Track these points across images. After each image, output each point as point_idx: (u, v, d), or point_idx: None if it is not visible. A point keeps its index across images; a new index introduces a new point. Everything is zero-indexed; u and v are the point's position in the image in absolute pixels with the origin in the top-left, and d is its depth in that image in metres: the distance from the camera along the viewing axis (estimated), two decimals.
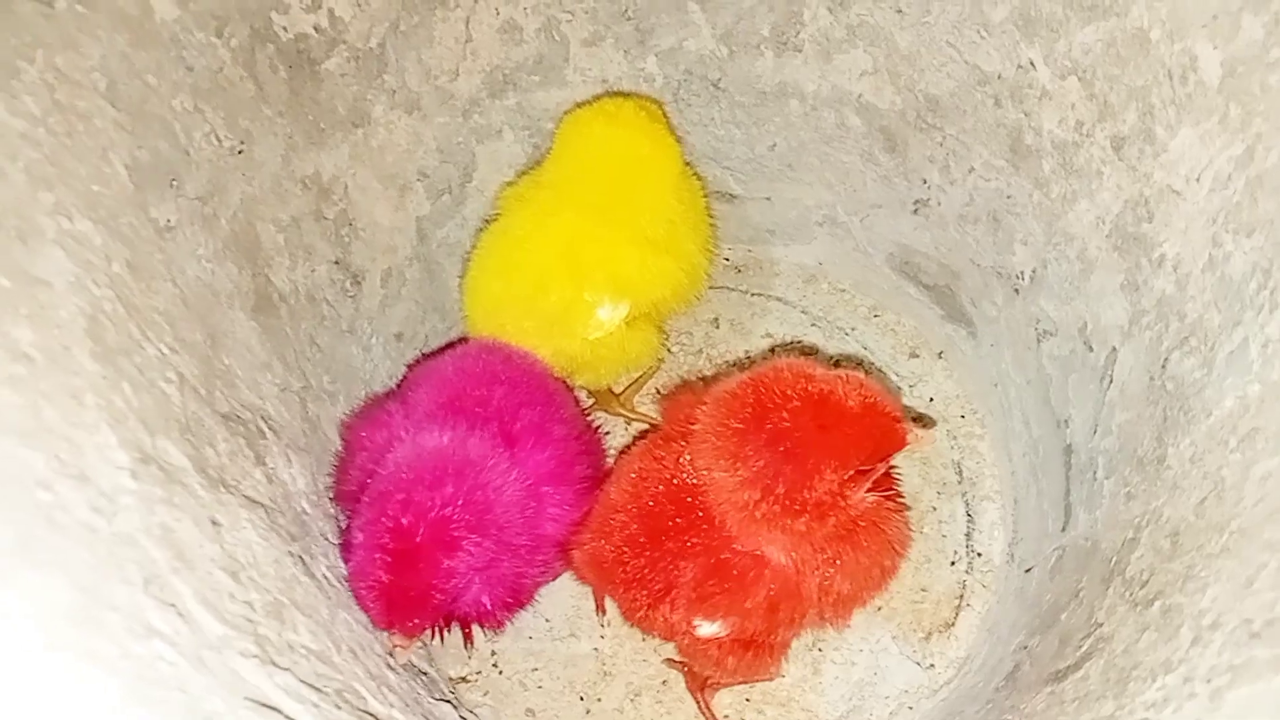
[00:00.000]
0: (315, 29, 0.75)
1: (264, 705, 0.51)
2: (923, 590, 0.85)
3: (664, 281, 0.84)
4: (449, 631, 0.76)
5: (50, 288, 0.53)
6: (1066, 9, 0.67)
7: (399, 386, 0.85)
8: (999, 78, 0.75)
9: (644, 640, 0.83)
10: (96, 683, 0.44)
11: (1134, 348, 0.68)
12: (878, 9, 0.78)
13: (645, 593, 0.70)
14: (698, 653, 0.74)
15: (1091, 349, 0.73)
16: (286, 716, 0.52)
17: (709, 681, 0.81)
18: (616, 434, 0.93)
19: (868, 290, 0.98)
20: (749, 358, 0.96)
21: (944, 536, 0.87)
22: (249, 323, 0.72)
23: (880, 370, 0.95)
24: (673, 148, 0.84)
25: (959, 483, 0.89)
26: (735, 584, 0.68)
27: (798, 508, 0.65)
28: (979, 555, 0.86)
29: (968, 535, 0.87)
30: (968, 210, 0.83)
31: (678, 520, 0.69)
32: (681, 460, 0.70)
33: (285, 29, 0.73)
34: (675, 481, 0.70)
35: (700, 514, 0.69)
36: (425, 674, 0.77)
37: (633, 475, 0.73)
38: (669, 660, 0.83)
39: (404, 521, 0.66)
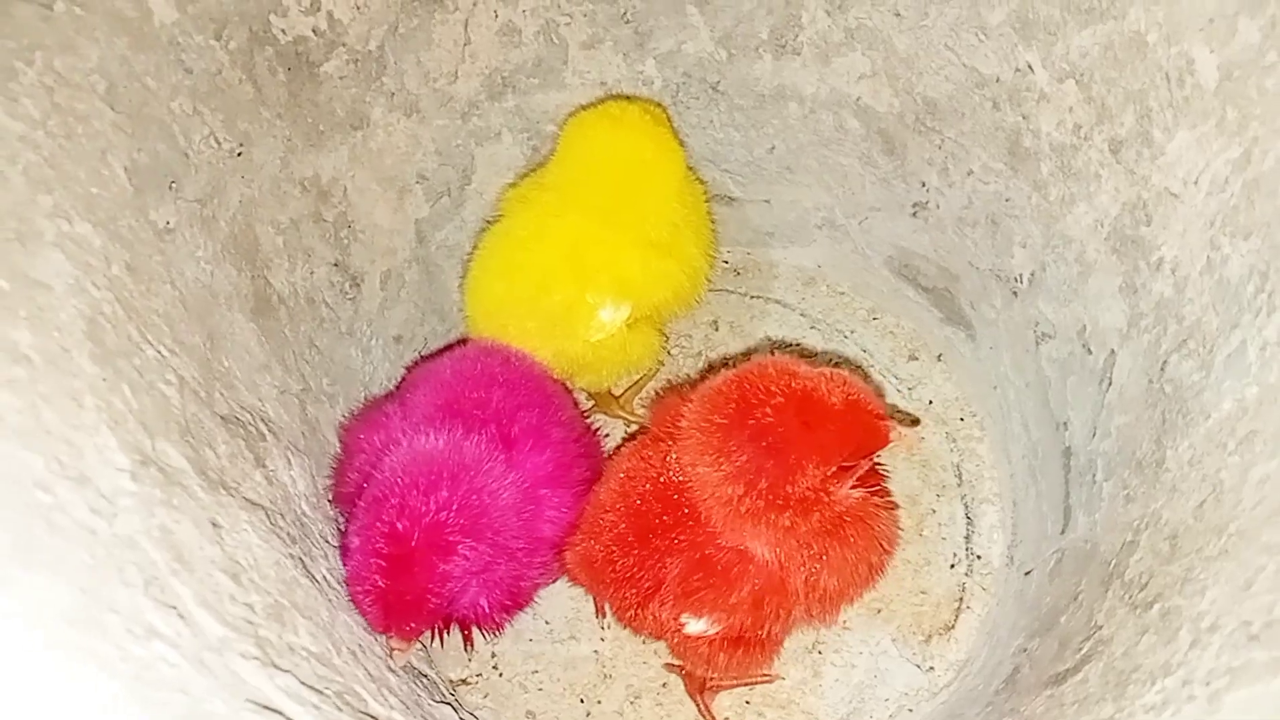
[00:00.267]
0: (314, 31, 0.75)
1: (265, 707, 0.51)
2: (922, 593, 0.85)
3: (666, 284, 0.84)
4: (449, 634, 0.76)
5: (50, 290, 0.53)
6: (1064, 12, 0.67)
7: (397, 389, 0.85)
8: (997, 81, 0.75)
9: (644, 643, 0.83)
10: (97, 684, 0.44)
11: (1132, 350, 0.69)
12: (876, 12, 0.78)
13: (635, 591, 0.71)
14: (689, 651, 0.74)
15: (1090, 352, 0.74)
16: (287, 718, 0.52)
17: (708, 684, 0.81)
18: (615, 436, 0.93)
19: (867, 293, 0.98)
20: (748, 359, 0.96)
21: (943, 539, 0.87)
22: (248, 325, 0.72)
23: (879, 373, 0.95)
24: (676, 151, 0.85)
25: (958, 485, 0.89)
26: (720, 579, 0.68)
27: (781, 503, 0.65)
28: (978, 558, 0.86)
29: (967, 538, 0.87)
30: (966, 213, 0.83)
31: (665, 518, 0.70)
32: (668, 459, 0.71)
33: (284, 31, 0.73)
34: (662, 480, 0.71)
35: (686, 511, 0.69)
36: (425, 676, 0.77)
37: (621, 476, 0.74)
38: (669, 664, 0.83)
39: (399, 526, 0.66)
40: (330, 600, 0.67)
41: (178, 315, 0.64)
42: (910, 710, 0.81)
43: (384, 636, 0.70)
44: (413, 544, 0.66)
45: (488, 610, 0.74)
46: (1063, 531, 0.75)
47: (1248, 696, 0.43)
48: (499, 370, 0.80)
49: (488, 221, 0.90)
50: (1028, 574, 0.79)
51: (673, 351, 0.97)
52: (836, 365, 0.94)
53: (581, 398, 0.93)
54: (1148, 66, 0.63)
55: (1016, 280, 0.81)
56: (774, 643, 0.74)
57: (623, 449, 0.80)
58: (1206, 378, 0.60)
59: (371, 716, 0.61)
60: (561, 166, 0.85)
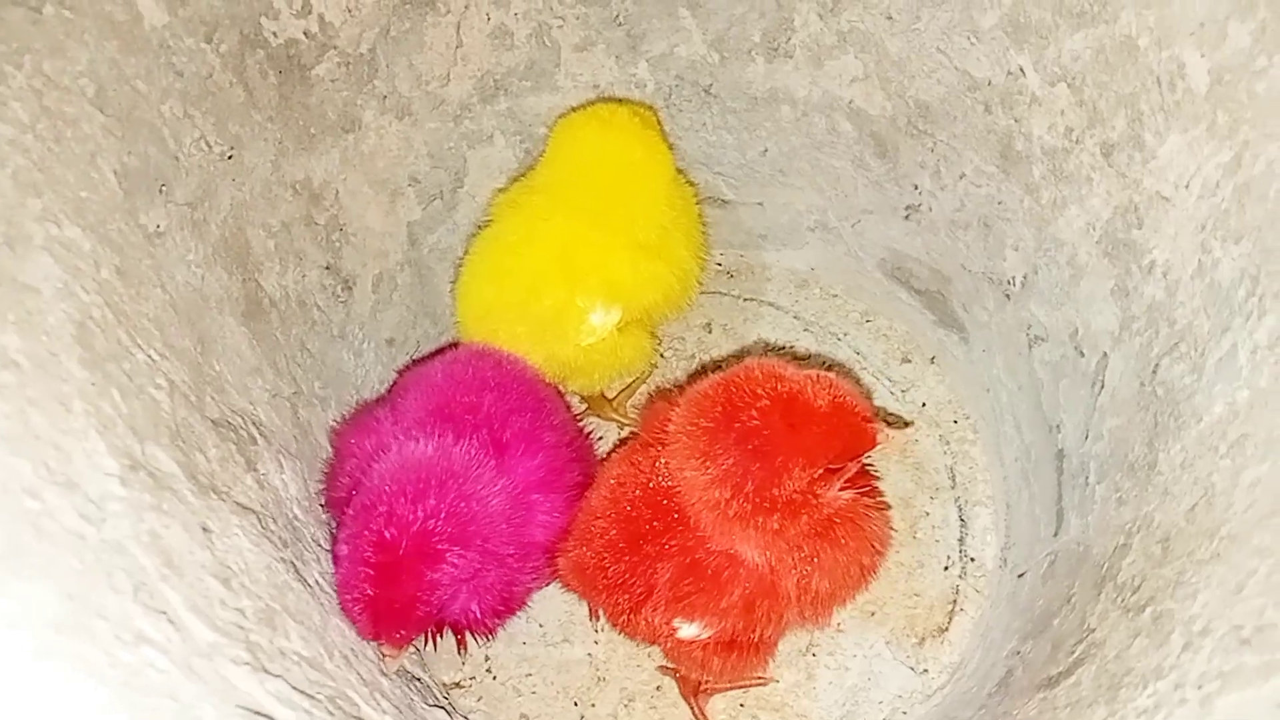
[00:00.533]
0: (305, 34, 0.75)
1: (256, 713, 0.51)
2: (916, 595, 0.85)
3: (656, 286, 0.84)
4: (441, 638, 0.76)
5: (38, 294, 0.53)
6: (1056, 16, 0.67)
7: (388, 393, 0.85)
8: (989, 84, 0.75)
9: (638, 646, 0.83)
10: (86, 691, 0.43)
11: (1124, 353, 0.69)
12: (868, 15, 0.78)
13: (627, 597, 0.71)
14: (682, 656, 0.74)
15: (1082, 354, 0.74)
16: None
17: (702, 687, 0.81)
18: (609, 439, 0.93)
19: (859, 295, 0.98)
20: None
21: (937, 541, 0.87)
22: (239, 328, 0.72)
23: (872, 375, 0.95)
24: (665, 154, 0.85)
25: (952, 488, 0.89)
26: (710, 583, 0.68)
27: (768, 506, 0.65)
28: (972, 560, 0.86)
29: (960, 540, 0.87)
30: (959, 216, 0.83)
31: (655, 524, 0.70)
32: (658, 465, 0.70)
33: (275, 34, 0.73)
34: (652, 486, 0.71)
35: (676, 516, 0.69)
36: (419, 680, 0.77)
37: (611, 482, 0.74)
38: (663, 666, 0.83)
39: (387, 535, 0.66)
40: (322, 604, 0.66)
41: (168, 319, 0.63)
42: (904, 713, 0.81)
43: (375, 643, 0.70)
44: (401, 552, 0.66)
45: (480, 615, 0.74)
46: (1055, 534, 0.75)
47: (1239, 700, 0.43)
48: (490, 374, 0.79)
49: (478, 225, 0.90)
50: (1021, 576, 0.79)
51: (665, 354, 0.97)
52: (827, 368, 0.94)
53: (574, 401, 0.93)
54: (1139, 70, 0.63)
55: (1009, 283, 0.81)
56: (767, 646, 0.74)
57: (613, 455, 0.80)
58: (1198, 381, 0.60)
59: None
60: (550, 169, 0.85)
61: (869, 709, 0.82)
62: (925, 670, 0.82)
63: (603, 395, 0.93)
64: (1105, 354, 0.71)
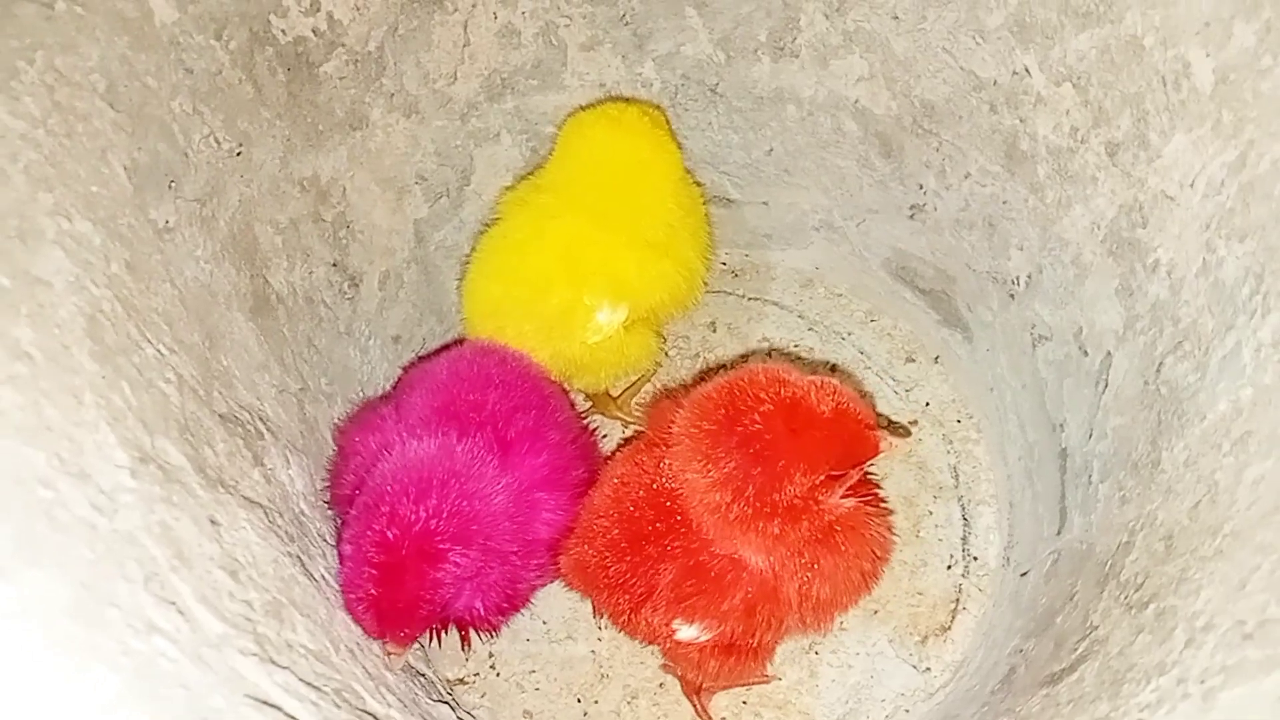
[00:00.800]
0: (314, 32, 0.76)
1: (264, 703, 0.51)
2: (919, 594, 0.85)
3: (662, 285, 0.84)
4: (446, 634, 0.76)
5: (50, 288, 0.53)
6: (1061, 16, 0.68)
7: (393, 390, 0.85)
8: (994, 84, 0.75)
9: (640, 643, 0.83)
10: (98, 678, 0.44)
11: (1128, 352, 0.69)
12: (874, 15, 0.79)
13: (628, 597, 0.71)
14: (680, 657, 0.75)
15: (1086, 353, 0.74)
16: (287, 714, 0.52)
17: (704, 685, 0.81)
18: (613, 437, 0.93)
19: (864, 295, 0.99)
20: (745, 363, 0.96)
21: (940, 540, 0.87)
22: (247, 324, 0.72)
23: (877, 374, 0.95)
24: (674, 153, 0.85)
25: (955, 486, 0.90)
26: (712, 586, 0.68)
27: (769, 510, 0.65)
28: (975, 559, 0.86)
29: (964, 539, 0.87)
30: (963, 215, 0.84)
31: (658, 524, 0.70)
32: (661, 465, 0.71)
33: (284, 32, 0.74)
34: (655, 486, 0.71)
35: (679, 518, 0.69)
36: (423, 675, 0.78)
37: (615, 481, 0.74)
38: (666, 664, 0.83)
39: (389, 535, 0.66)
40: (328, 598, 0.67)
41: (177, 314, 0.64)
42: (906, 711, 0.81)
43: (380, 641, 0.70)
44: (403, 552, 0.66)
45: (483, 612, 0.75)
46: (1059, 532, 0.76)
47: (1242, 695, 0.43)
48: (495, 372, 0.80)
49: (485, 224, 0.91)
50: (1024, 575, 0.80)
51: (670, 353, 0.97)
52: (830, 369, 0.94)
53: (579, 398, 0.93)
54: (1144, 70, 0.64)
55: (1013, 282, 0.82)
56: (765, 650, 0.74)
57: (617, 454, 0.80)
58: (1202, 379, 0.60)
59: (369, 714, 0.61)
60: (558, 168, 0.85)
61: (871, 707, 0.82)
62: (928, 668, 0.83)
63: (607, 393, 0.94)
64: (1109, 353, 0.71)
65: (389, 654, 0.69)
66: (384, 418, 0.77)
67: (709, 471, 0.66)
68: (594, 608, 0.85)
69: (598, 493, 0.75)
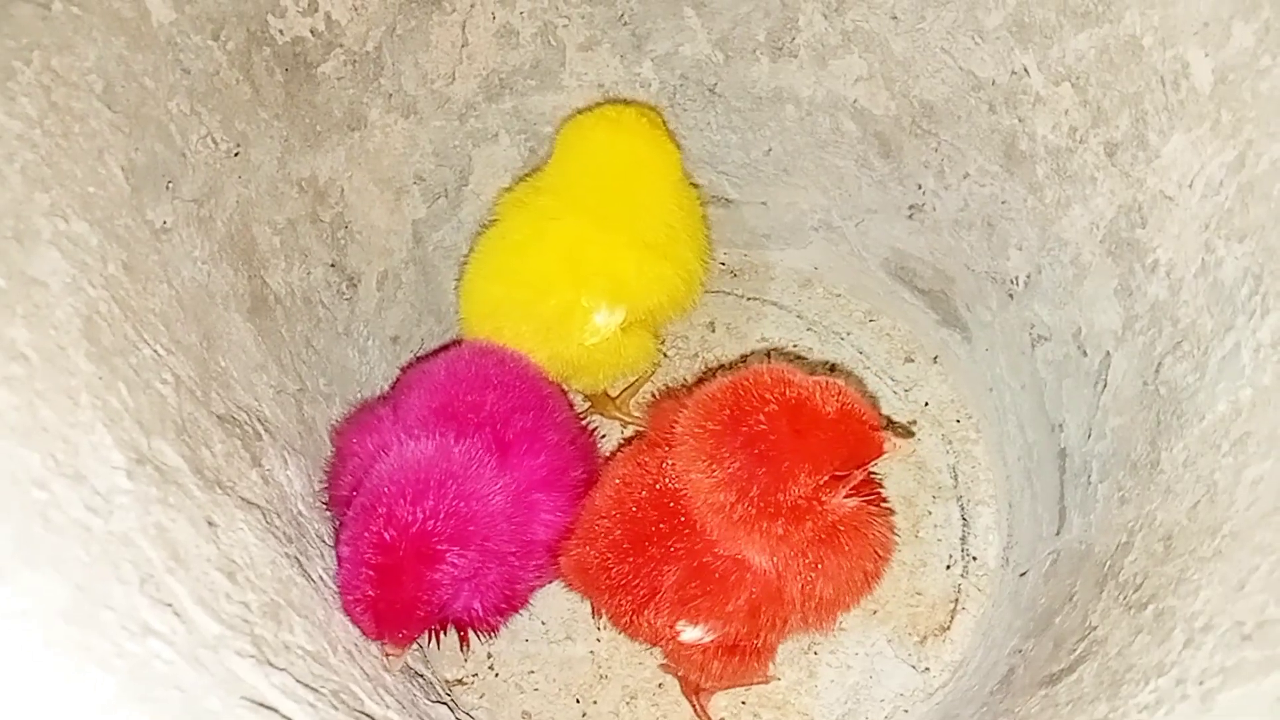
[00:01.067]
0: (312, 32, 0.75)
1: (261, 705, 0.51)
2: (918, 594, 0.85)
3: (661, 287, 0.84)
4: (444, 635, 0.76)
5: (46, 288, 0.53)
6: (1060, 16, 0.68)
7: (391, 391, 0.85)
8: (993, 84, 0.75)
9: (640, 644, 0.83)
10: (94, 680, 0.44)
11: (1127, 352, 0.69)
12: (873, 15, 0.79)
13: (630, 598, 0.71)
14: (683, 658, 0.74)
15: (1085, 354, 0.74)
16: (284, 716, 0.52)
17: (703, 685, 0.81)
18: (612, 438, 0.93)
19: (863, 295, 0.99)
20: (745, 362, 0.96)
21: (939, 540, 0.87)
22: (245, 324, 0.72)
23: (875, 375, 0.95)
24: (673, 154, 0.85)
25: (954, 487, 0.89)
26: (717, 587, 0.68)
27: (773, 511, 0.65)
28: (974, 559, 0.86)
29: (963, 539, 0.87)
30: (962, 215, 0.84)
31: (661, 525, 0.69)
32: (664, 466, 0.71)
33: (282, 32, 0.73)
34: (659, 487, 0.70)
35: (683, 519, 0.69)
36: (421, 676, 0.77)
37: (617, 481, 0.74)
38: (665, 664, 0.83)
39: (386, 536, 0.66)
40: (326, 600, 0.67)
41: (174, 314, 0.64)
42: (905, 711, 0.81)
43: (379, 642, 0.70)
44: (401, 553, 0.66)
45: (482, 613, 0.74)
46: (1058, 533, 0.76)
47: (1241, 695, 0.43)
48: (493, 372, 0.80)
49: (483, 225, 0.90)
50: (1023, 575, 0.80)
51: (669, 353, 0.97)
52: (833, 371, 0.94)
53: (578, 399, 0.93)
54: (1143, 70, 0.64)
55: (1012, 282, 0.82)
56: (768, 650, 0.74)
57: (618, 454, 0.80)
58: (1201, 380, 0.60)
59: (368, 715, 0.61)
60: (558, 170, 0.85)
61: (870, 707, 0.82)
62: (927, 668, 0.83)
63: (606, 394, 0.94)
64: (1108, 353, 0.71)
65: (387, 655, 0.69)
66: (382, 418, 0.77)
67: (713, 471, 0.66)
68: (593, 608, 0.85)
69: (599, 493, 0.75)
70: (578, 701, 0.83)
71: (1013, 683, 0.69)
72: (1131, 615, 0.57)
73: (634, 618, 0.71)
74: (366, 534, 0.67)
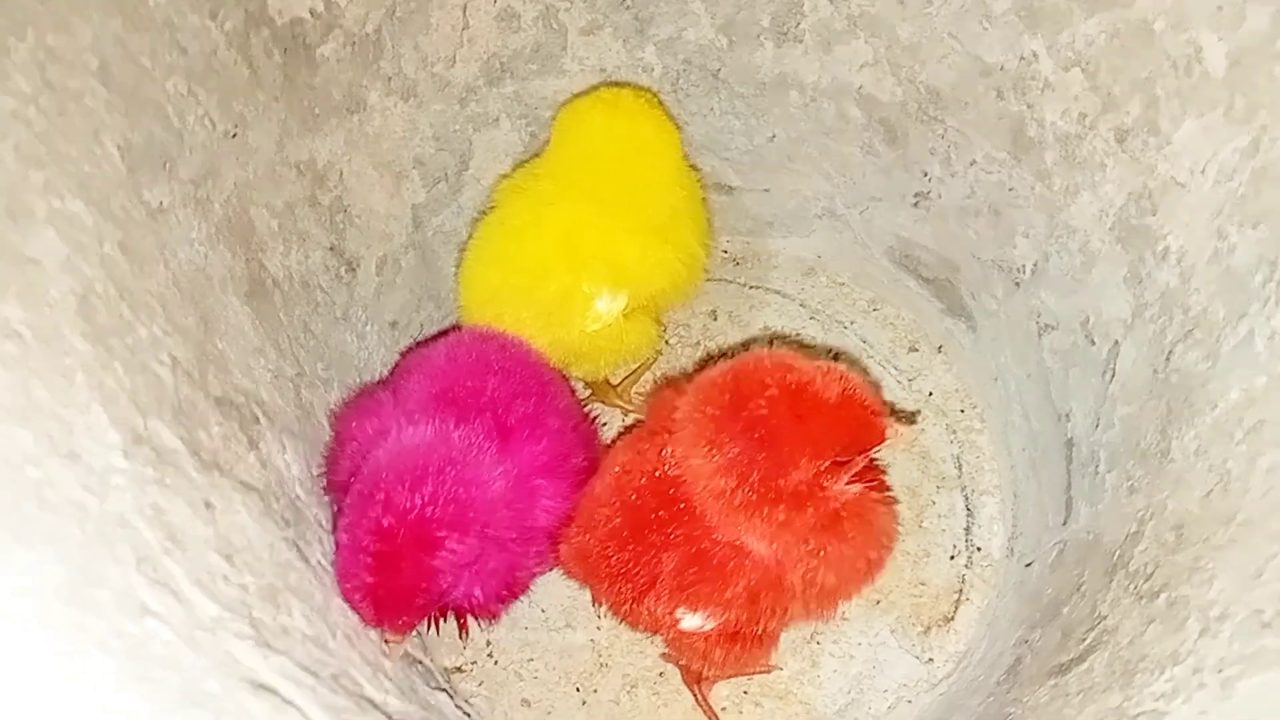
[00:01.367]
0: (310, 13, 0.74)
1: (260, 687, 0.51)
2: (921, 584, 0.85)
3: (663, 273, 0.83)
4: (444, 621, 0.75)
5: (41, 267, 0.52)
6: (1070, 0, 0.67)
7: (391, 375, 0.84)
8: (1001, 69, 0.74)
9: (640, 633, 0.83)
10: (92, 659, 0.43)
11: (1137, 341, 0.68)
12: None
13: (630, 586, 0.70)
14: (684, 646, 0.74)
15: (1093, 342, 0.73)
16: (283, 698, 0.51)
17: (705, 674, 0.80)
18: (614, 425, 0.92)
19: (867, 283, 0.98)
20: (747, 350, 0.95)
21: (943, 531, 0.87)
22: (242, 308, 0.71)
23: (879, 364, 0.94)
24: (673, 133, 0.84)
25: (958, 477, 0.89)
26: (715, 573, 0.67)
27: (773, 496, 0.64)
28: (978, 550, 0.86)
29: (967, 529, 0.87)
30: (968, 203, 0.83)
31: (661, 513, 0.69)
32: (664, 453, 0.70)
33: (280, 13, 0.72)
34: (658, 474, 0.70)
35: (682, 506, 0.68)
36: (420, 663, 0.77)
37: (616, 470, 0.73)
38: (666, 653, 0.82)
39: (385, 523, 0.65)
40: (325, 585, 0.66)
41: (171, 296, 0.63)
42: (909, 701, 0.81)
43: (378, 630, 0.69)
44: (399, 540, 0.65)
45: (483, 600, 0.74)
46: (1064, 523, 0.75)
47: (1262, 683, 0.43)
48: (494, 357, 0.79)
49: (483, 210, 0.90)
50: (1028, 566, 0.79)
51: (670, 341, 0.97)
52: (833, 357, 0.94)
53: (579, 386, 0.92)
54: (1155, 54, 0.63)
55: (1019, 271, 0.81)
56: (770, 638, 0.73)
57: (618, 442, 0.79)
58: (1213, 367, 0.59)
59: (367, 699, 0.61)
60: (556, 154, 0.84)
61: (873, 697, 0.81)
62: (930, 659, 0.82)
63: (607, 381, 0.93)
64: (1117, 342, 0.70)
65: (387, 643, 0.69)
66: (381, 403, 0.76)
67: (713, 457, 0.65)
68: (593, 596, 0.84)
69: (599, 481, 0.74)
70: (578, 690, 0.83)
71: (1020, 673, 0.68)
72: (1143, 605, 0.56)
73: (634, 606, 0.70)
74: (365, 520, 0.66)
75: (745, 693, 0.82)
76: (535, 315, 0.82)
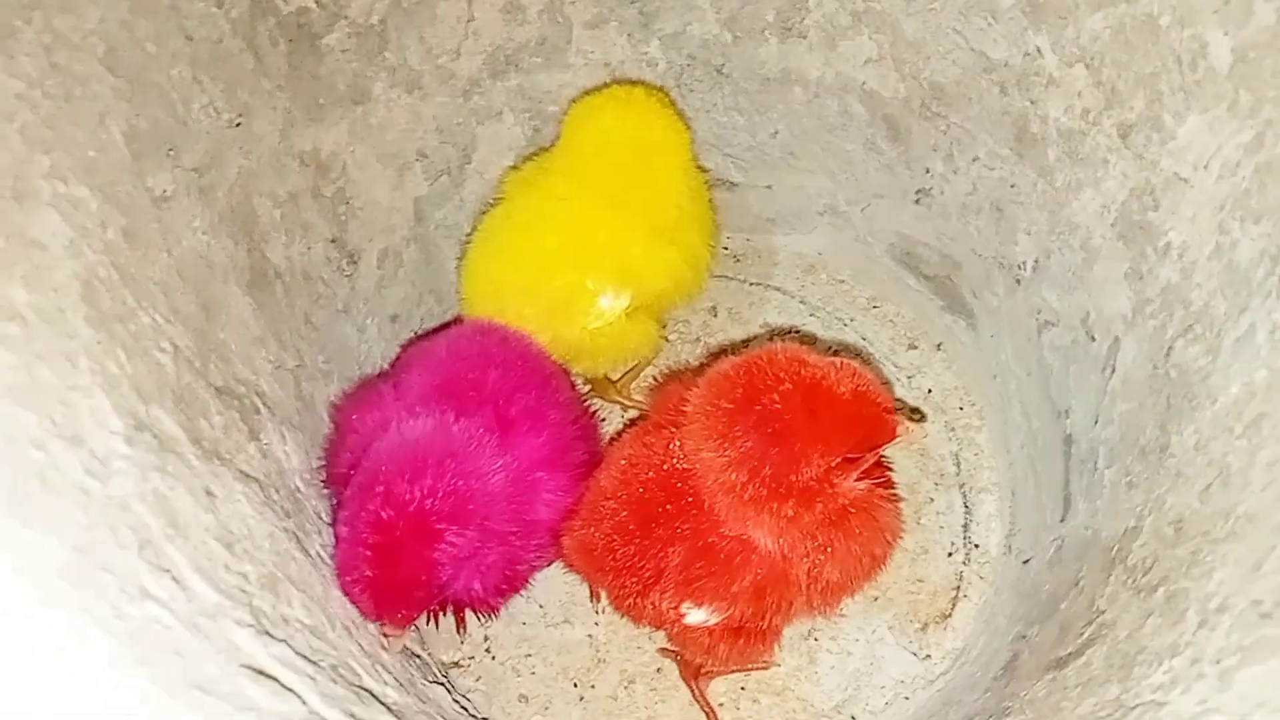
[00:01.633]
0: (316, 3, 0.74)
1: (261, 673, 0.51)
2: (919, 581, 0.85)
3: (668, 273, 0.83)
4: (444, 615, 0.75)
5: (45, 250, 0.52)
6: None
7: (391, 368, 0.84)
8: (1005, 65, 0.74)
9: (638, 628, 0.83)
10: (93, 640, 0.43)
11: (1137, 337, 0.68)
12: None
13: (635, 580, 0.70)
14: (688, 640, 0.73)
15: (1094, 339, 0.73)
16: (283, 685, 0.51)
17: (703, 670, 0.80)
18: (613, 420, 0.92)
19: (867, 281, 0.98)
20: (747, 347, 0.95)
21: (941, 528, 0.87)
22: (244, 298, 0.71)
23: (879, 361, 0.94)
24: (683, 134, 0.84)
25: (957, 474, 0.89)
26: (722, 568, 0.67)
27: (784, 491, 0.64)
28: (976, 547, 0.86)
29: (965, 527, 0.87)
30: (971, 200, 0.83)
31: (667, 507, 0.69)
32: (671, 447, 0.70)
33: (286, 2, 0.73)
34: (665, 468, 0.70)
35: (690, 500, 0.68)
36: (418, 657, 0.76)
37: (622, 463, 0.73)
38: (663, 649, 0.82)
39: (384, 516, 0.65)
40: (324, 576, 0.66)
41: (173, 284, 0.63)
42: (906, 698, 0.81)
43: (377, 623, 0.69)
44: (399, 533, 0.65)
45: (482, 594, 0.74)
46: (1062, 519, 0.75)
47: (1262, 672, 0.43)
48: (496, 350, 0.79)
49: (488, 204, 0.90)
50: (1026, 562, 0.79)
51: (671, 337, 0.96)
52: (833, 354, 0.93)
53: (579, 381, 0.92)
54: (1159, 50, 0.63)
55: (1020, 268, 0.81)
56: (774, 632, 0.73)
57: (623, 435, 0.79)
58: (1213, 362, 0.59)
59: (366, 690, 0.60)
60: (567, 149, 0.84)
61: (871, 694, 0.81)
62: (928, 656, 0.82)
63: (607, 377, 0.93)
64: (1117, 338, 0.70)
65: (387, 636, 0.68)
66: (382, 395, 0.76)
67: (725, 450, 0.65)
68: (591, 592, 0.84)
69: (604, 475, 0.74)
70: (575, 685, 0.83)
71: (1017, 668, 0.68)
72: (1141, 599, 0.56)
73: (638, 600, 0.70)
74: (364, 513, 0.66)
75: (743, 689, 0.82)
76: (538, 310, 0.82)
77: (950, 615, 0.83)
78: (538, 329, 0.82)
